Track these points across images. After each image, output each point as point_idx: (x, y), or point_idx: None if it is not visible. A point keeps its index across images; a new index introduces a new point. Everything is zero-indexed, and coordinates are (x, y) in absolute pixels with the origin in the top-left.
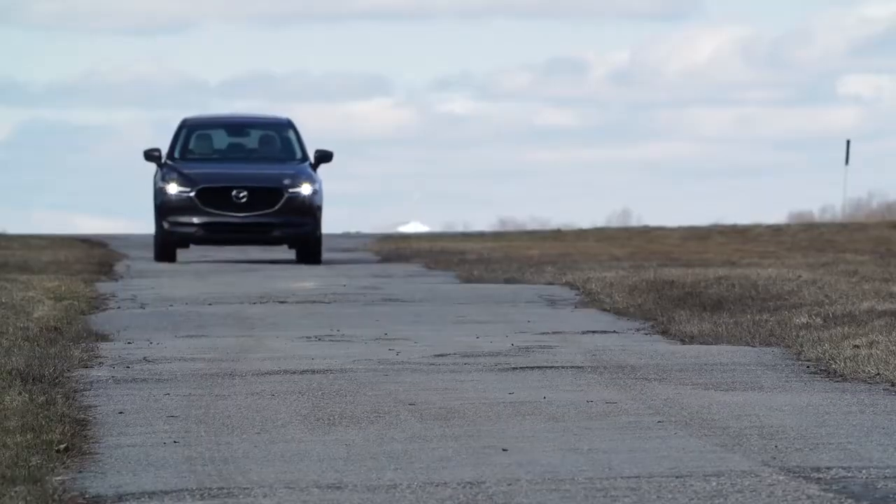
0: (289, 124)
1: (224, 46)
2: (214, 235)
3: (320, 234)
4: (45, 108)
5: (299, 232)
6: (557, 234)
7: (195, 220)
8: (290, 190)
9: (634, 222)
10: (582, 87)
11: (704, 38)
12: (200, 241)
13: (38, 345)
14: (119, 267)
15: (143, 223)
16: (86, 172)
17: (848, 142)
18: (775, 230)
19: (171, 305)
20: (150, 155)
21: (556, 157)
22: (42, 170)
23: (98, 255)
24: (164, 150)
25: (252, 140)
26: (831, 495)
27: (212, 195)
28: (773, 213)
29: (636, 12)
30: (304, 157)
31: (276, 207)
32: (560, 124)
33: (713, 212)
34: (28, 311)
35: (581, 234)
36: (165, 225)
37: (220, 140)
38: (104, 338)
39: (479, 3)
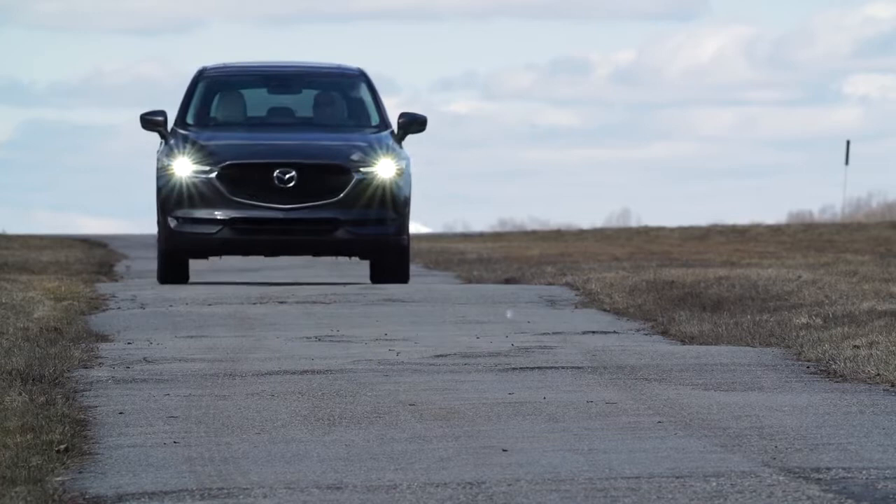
0: (361, 76)
1: (228, 47)
2: (246, 239)
3: (408, 238)
4: (47, 108)
5: (377, 234)
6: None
7: (217, 214)
8: (363, 169)
9: (634, 222)
10: (585, 87)
11: (708, 38)
12: (225, 247)
13: (38, 345)
14: (119, 267)
15: (144, 223)
16: (87, 173)
17: (848, 142)
18: (775, 230)
19: (171, 306)
20: (151, 121)
21: (557, 157)
22: (43, 170)
23: (98, 256)
24: (173, 115)
25: (305, 100)
26: (831, 496)
27: (243, 177)
28: (773, 213)
29: (640, 12)
30: (384, 124)
31: (341, 196)
32: (562, 124)
33: (713, 212)
34: (28, 311)
35: (581, 234)
36: (172, 222)
37: (257, 100)
38: (104, 338)
39: (482, 3)
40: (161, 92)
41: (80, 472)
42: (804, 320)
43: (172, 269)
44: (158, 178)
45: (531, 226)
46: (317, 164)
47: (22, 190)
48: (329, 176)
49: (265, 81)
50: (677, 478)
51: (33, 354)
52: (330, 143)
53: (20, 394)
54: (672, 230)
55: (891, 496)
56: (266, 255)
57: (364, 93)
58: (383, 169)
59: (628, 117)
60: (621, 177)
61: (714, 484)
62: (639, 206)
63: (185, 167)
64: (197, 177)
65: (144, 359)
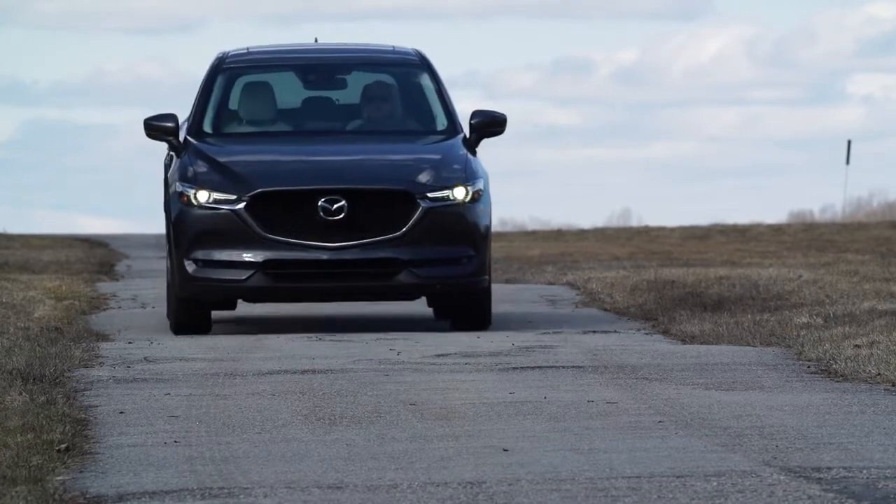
0: (420, 62)
1: (229, 46)
2: (284, 287)
3: (489, 280)
4: (49, 107)
5: (449, 277)
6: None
7: (247, 256)
8: (432, 194)
9: (634, 222)
10: (586, 86)
11: (710, 37)
12: (257, 296)
13: (38, 345)
14: (120, 267)
15: (144, 223)
16: (88, 172)
17: (849, 142)
18: (776, 230)
19: None
20: (158, 128)
21: (558, 156)
22: (44, 169)
23: (99, 255)
24: (186, 120)
25: (351, 96)
26: (832, 495)
27: (278, 208)
28: (774, 212)
29: (642, 12)
30: (454, 127)
31: (405, 230)
32: (563, 124)
33: (714, 211)
34: (29, 310)
35: (582, 234)
36: (190, 266)
37: (291, 95)
38: (105, 338)
39: (484, 2)
40: (162, 92)
41: (81, 472)
42: (805, 320)
43: (190, 320)
44: (170, 204)
45: (532, 225)
46: (374, 191)
47: (23, 189)
48: (389, 205)
49: (301, 72)
50: (678, 477)
51: (34, 354)
52: (390, 159)
53: (21, 393)
54: (673, 230)
55: (891, 496)
56: (308, 302)
57: (426, 84)
58: (458, 192)
59: (629, 117)
60: (622, 176)
61: (715, 483)
62: (639, 205)
63: (204, 195)
64: (219, 208)
65: (145, 358)
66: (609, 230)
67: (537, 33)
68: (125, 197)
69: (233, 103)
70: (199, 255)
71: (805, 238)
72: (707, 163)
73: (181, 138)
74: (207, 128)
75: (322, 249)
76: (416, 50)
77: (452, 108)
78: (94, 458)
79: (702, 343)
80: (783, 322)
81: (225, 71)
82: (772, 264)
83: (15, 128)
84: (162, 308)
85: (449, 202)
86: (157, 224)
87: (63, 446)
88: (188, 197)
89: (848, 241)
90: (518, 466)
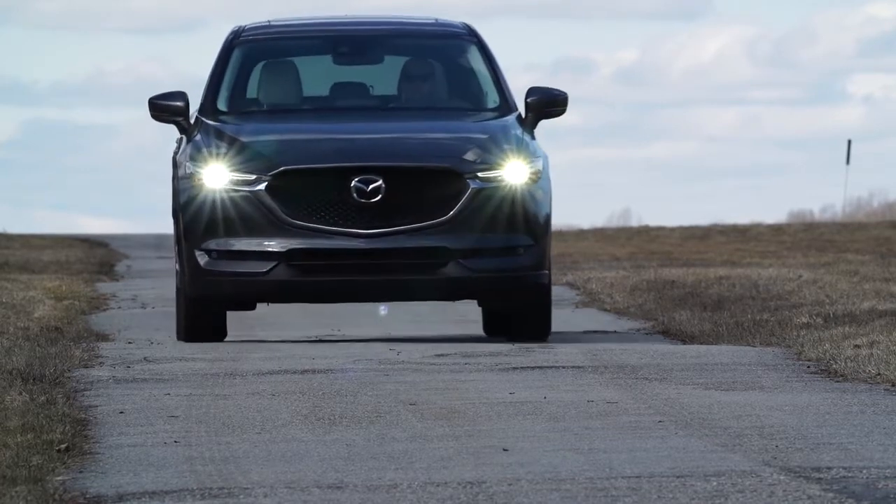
0: (469, 35)
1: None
2: (311, 281)
3: (549, 275)
4: (49, 107)
5: (504, 270)
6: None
7: (268, 244)
8: (483, 174)
9: (634, 222)
10: (587, 86)
11: (710, 37)
12: (280, 293)
13: (38, 344)
14: (120, 267)
15: (144, 223)
16: (88, 172)
17: (849, 141)
18: (776, 230)
19: (172, 305)
20: (165, 107)
21: (558, 156)
22: (44, 169)
23: (99, 255)
24: (196, 99)
25: (388, 72)
26: (832, 495)
27: (304, 189)
28: (774, 212)
29: (643, 12)
30: (508, 105)
31: (452, 214)
32: (564, 124)
33: (714, 211)
34: (29, 310)
35: (581, 234)
36: (202, 258)
37: (319, 73)
38: (105, 338)
39: (484, 2)
40: (163, 92)
41: (81, 472)
42: (805, 320)
43: (202, 323)
44: (179, 190)
45: None
46: (416, 169)
47: (23, 189)
48: (433, 185)
49: (330, 46)
50: (678, 477)
51: (34, 354)
52: (432, 135)
53: (21, 393)
54: (672, 230)
55: (891, 496)
56: (339, 301)
57: (476, 59)
58: (512, 172)
59: (630, 117)
60: (622, 176)
61: (715, 483)
62: (639, 205)
63: (219, 176)
64: (237, 190)
65: (145, 358)
66: (609, 230)
67: (537, 33)
68: (125, 197)
69: (252, 81)
70: (213, 244)
71: (805, 238)
72: (707, 163)
73: (192, 119)
74: (222, 106)
75: (355, 237)
76: (464, 22)
77: (506, 85)
78: (94, 458)
79: (702, 343)
80: (783, 322)
81: (242, 45)
82: (772, 264)
83: (15, 128)
84: (162, 308)
85: (503, 182)
86: (157, 224)
87: (63, 446)
88: (200, 178)
89: (848, 241)
90: (518, 466)
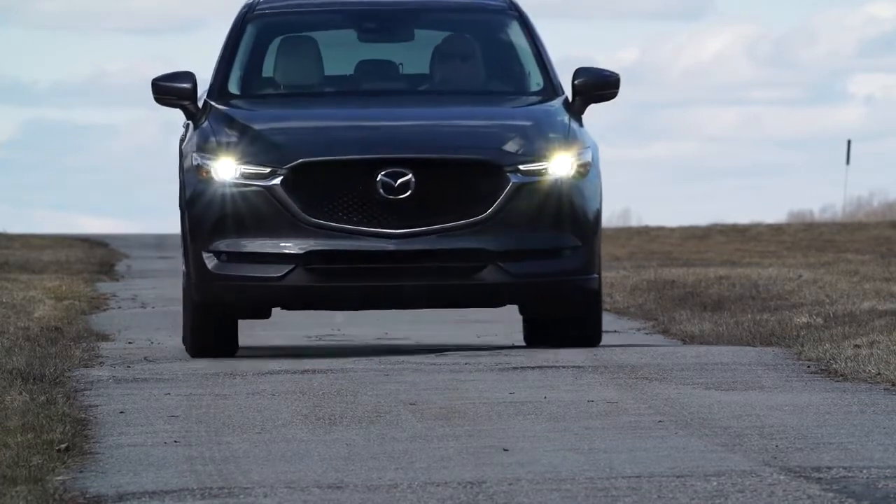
0: (510, 11)
1: None
2: (333, 287)
3: (599, 279)
4: (49, 107)
5: (549, 274)
6: None
7: (285, 245)
8: (525, 166)
9: (635, 222)
10: None
11: (710, 37)
12: (298, 299)
13: (38, 344)
14: (120, 267)
15: (144, 223)
16: (88, 172)
17: (849, 141)
18: (776, 230)
19: (172, 305)
20: (170, 89)
21: None
22: (44, 169)
23: (99, 255)
24: (205, 81)
25: (419, 51)
26: (832, 495)
27: (325, 183)
28: (774, 212)
29: (644, 12)
30: (553, 87)
31: (490, 211)
32: None
33: (714, 211)
34: (29, 310)
35: None
36: (210, 260)
37: (341, 52)
38: (105, 337)
39: None
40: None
41: (81, 472)
42: (805, 320)
43: (211, 334)
44: (184, 184)
45: None
46: (450, 161)
47: (23, 189)
48: (469, 180)
49: (354, 20)
50: (678, 477)
51: (34, 354)
52: (468, 122)
53: (21, 393)
54: (672, 230)
55: (891, 495)
56: (363, 309)
57: (518, 37)
58: (559, 164)
59: (630, 116)
60: (622, 176)
61: (715, 483)
62: (639, 205)
63: (229, 168)
64: (249, 184)
65: (145, 358)
66: (609, 230)
67: (538, 33)
68: (125, 197)
69: (267, 61)
70: (222, 246)
71: (805, 238)
72: (707, 163)
73: (200, 103)
74: (234, 88)
75: (382, 237)
76: None
77: (551, 66)
78: (94, 457)
79: (702, 343)
80: (783, 322)
81: (256, 20)
82: (772, 264)
83: (15, 128)
84: (162, 308)
85: (548, 176)
86: (157, 224)
87: (63, 446)
88: (208, 171)
89: (848, 241)
90: (518, 466)
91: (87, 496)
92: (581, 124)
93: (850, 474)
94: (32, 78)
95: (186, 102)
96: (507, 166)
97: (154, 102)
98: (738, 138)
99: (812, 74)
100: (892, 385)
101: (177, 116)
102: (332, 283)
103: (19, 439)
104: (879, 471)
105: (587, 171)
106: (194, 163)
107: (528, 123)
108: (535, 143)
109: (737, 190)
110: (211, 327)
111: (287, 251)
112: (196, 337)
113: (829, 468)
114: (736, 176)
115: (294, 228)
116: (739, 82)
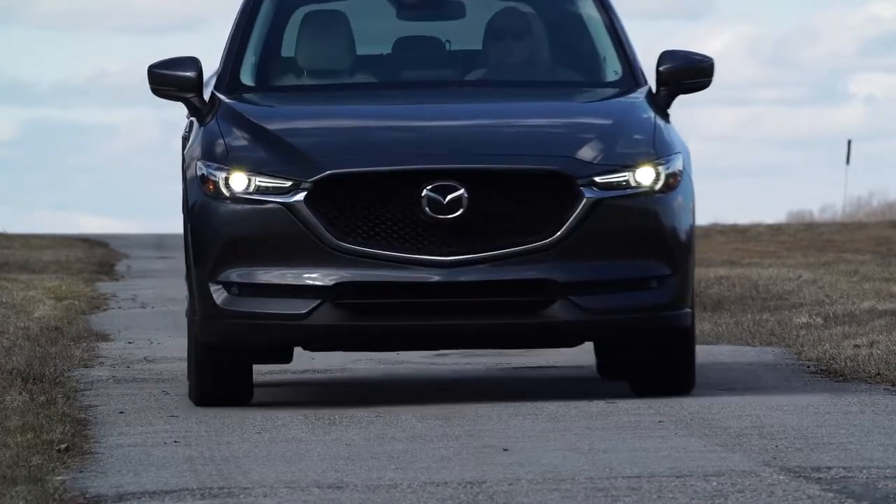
0: None
1: None
2: (368, 326)
3: (692, 314)
4: (50, 107)
5: (633, 309)
6: None
7: (309, 276)
8: (602, 178)
9: None
10: None
11: (711, 37)
12: (325, 340)
13: (38, 344)
14: (120, 267)
15: (144, 223)
16: (88, 172)
17: (849, 141)
18: (776, 229)
19: (171, 305)
20: (171, 80)
21: None
22: (44, 169)
23: (99, 255)
24: (214, 74)
25: (470, 32)
26: (832, 495)
27: (358, 200)
28: (774, 212)
29: (645, 12)
30: (634, 76)
31: (560, 234)
32: None
33: (713, 211)
34: (29, 310)
35: None
36: (219, 293)
37: (377, 30)
38: (105, 337)
39: None
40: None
41: (81, 472)
42: (804, 320)
43: (222, 380)
44: (187, 197)
45: None
46: (510, 173)
47: (23, 189)
48: (534, 195)
49: None
50: (678, 477)
51: (34, 354)
52: (531, 122)
53: (21, 393)
54: None
55: (891, 496)
56: (404, 350)
57: (589, 14)
58: (644, 175)
59: None
60: None
61: (714, 483)
62: None
63: (241, 181)
64: (267, 200)
65: (145, 358)
66: None
67: None
68: (125, 197)
69: (287, 43)
70: (234, 275)
71: (805, 238)
72: (707, 163)
73: (206, 96)
74: (247, 79)
75: (428, 266)
76: None
77: (631, 49)
78: (94, 457)
79: (702, 343)
80: (783, 322)
81: None
82: (771, 264)
83: (16, 128)
84: (162, 308)
85: (629, 191)
86: (157, 224)
87: (63, 446)
88: (216, 183)
89: (848, 241)
90: (518, 466)
91: (87, 496)
92: (669, 122)
93: (849, 474)
94: (33, 78)
95: (189, 95)
96: (580, 178)
97: (154, 98)
98: (738, 138)
99: (812, 74)
100: (892, 385)
101: (178, 113)
102: (367, 322)
103: (19, 439)
104: (879, 471)
105: (678, 182)
106: (199, 172)
107: (606, 123)
108: (615, 149)
109: (737, 190)
110: (220, 372)
111: (312, 283)
112: (203, 385)
113: (829, 468)
114: (736, 176)
115: (321, 255)
116: (740, 82)
